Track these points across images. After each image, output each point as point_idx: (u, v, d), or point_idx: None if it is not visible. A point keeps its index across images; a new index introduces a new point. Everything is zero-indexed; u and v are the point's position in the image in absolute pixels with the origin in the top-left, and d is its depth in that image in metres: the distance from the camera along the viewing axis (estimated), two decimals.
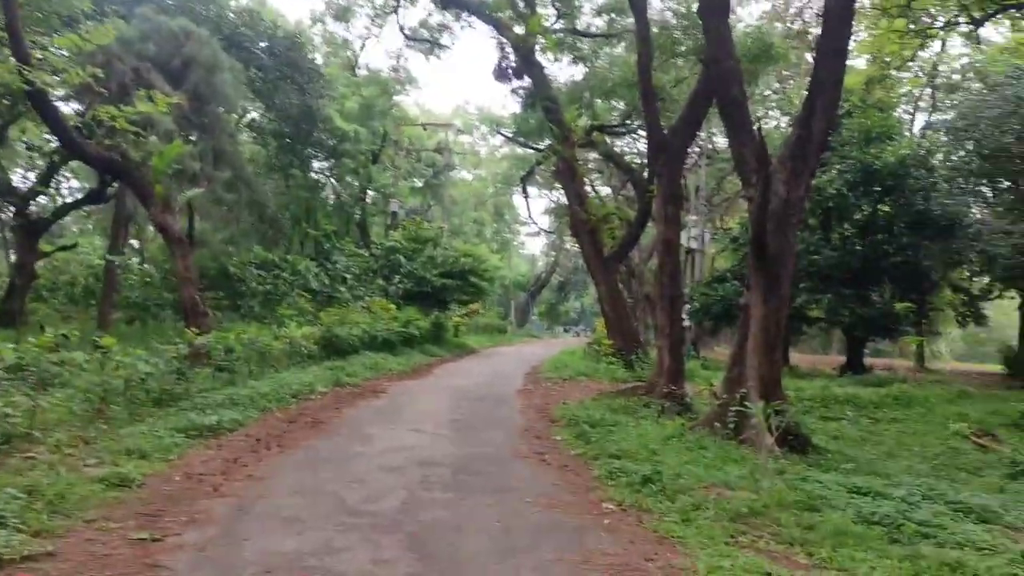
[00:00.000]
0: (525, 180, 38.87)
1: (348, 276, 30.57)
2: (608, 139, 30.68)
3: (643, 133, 28.50)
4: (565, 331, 76.80)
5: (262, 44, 28.19)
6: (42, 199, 32.22)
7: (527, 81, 26.57)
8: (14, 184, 24.30)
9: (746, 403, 9.41)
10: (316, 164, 36.93)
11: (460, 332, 32.59)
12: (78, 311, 25.35)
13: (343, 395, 14.72)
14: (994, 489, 8.79)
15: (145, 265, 28.95)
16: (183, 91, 21.31)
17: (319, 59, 35.31)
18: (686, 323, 23.56)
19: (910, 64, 29.14)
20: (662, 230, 15.19)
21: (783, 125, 33.05)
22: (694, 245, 32.55)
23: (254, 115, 32.40)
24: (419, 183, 48.33)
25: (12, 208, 24.06)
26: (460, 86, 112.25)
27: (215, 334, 14.62)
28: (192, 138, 23.90)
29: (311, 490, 7.26)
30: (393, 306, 26.00)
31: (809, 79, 11.00)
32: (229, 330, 15.82)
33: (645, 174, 26.01)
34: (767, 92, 34.28)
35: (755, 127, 9.79)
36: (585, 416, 11.89)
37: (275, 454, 9.00)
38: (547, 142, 27.80)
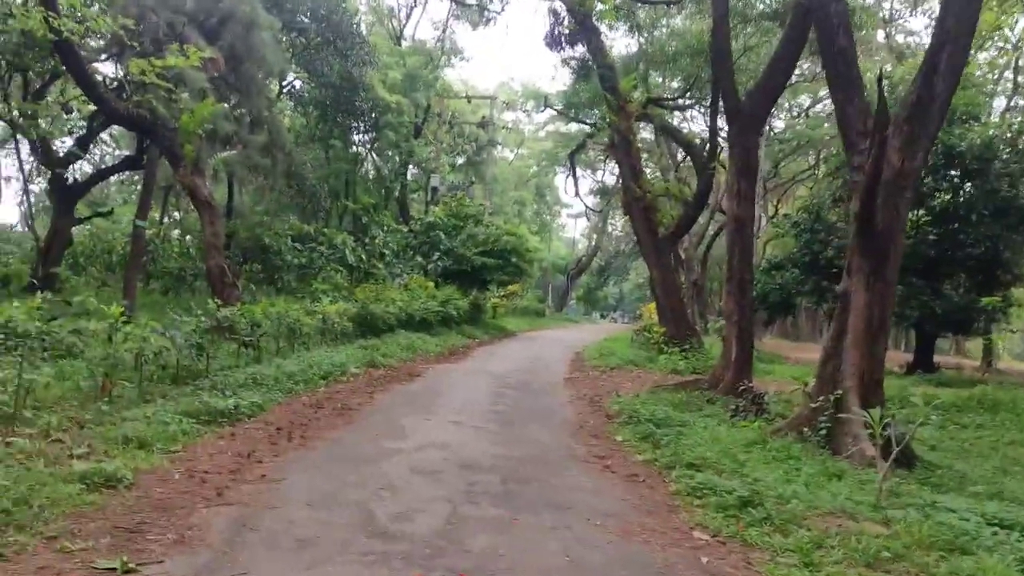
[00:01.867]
0: (574, 156, 37.17)
1: (386, 252, 29.49)
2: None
3: (703, 109, 26.85)
4: (603, 316, 75.30)
5: (304, 7, 27.09)
6: (87, 166, 31.73)
7: (579, 51, 25.09)
8: (54, 148, 23.51)
9: (854, 408, 7.93)
10: (356, 137, 35.89)
11: (498, 314, 31.48)
12: (115, 279, 24.67)
13: (376, 377, 13.59)
14: None
15: (188, 236, 28.18)
16: (218, 47, 20.28)
17: (363, 28, 34.06)
18: None
19: (988, 44, 27.08)
20: (733, 206, 13.65)
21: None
22: None
23: (295, 83, 31.37)
24: (461, 160, 47.01)
25: (49, 172, 23.27)
26: (505, 63, 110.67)
27: (241, 307, 13.55)
28: (227, 100, 22.91)
29: (333, 499, 5.98)
30: (431, 284, 24.91)
31: (930, 33, 9.38)
32: (258, 303, 14.78)
33: (705, 151, 24.36)
34: None
35: (877, 79, 8.19)
36: (646, 412, 10.50)
37: (296, 447, 7.79)
38: (597, 117, 26.27)
